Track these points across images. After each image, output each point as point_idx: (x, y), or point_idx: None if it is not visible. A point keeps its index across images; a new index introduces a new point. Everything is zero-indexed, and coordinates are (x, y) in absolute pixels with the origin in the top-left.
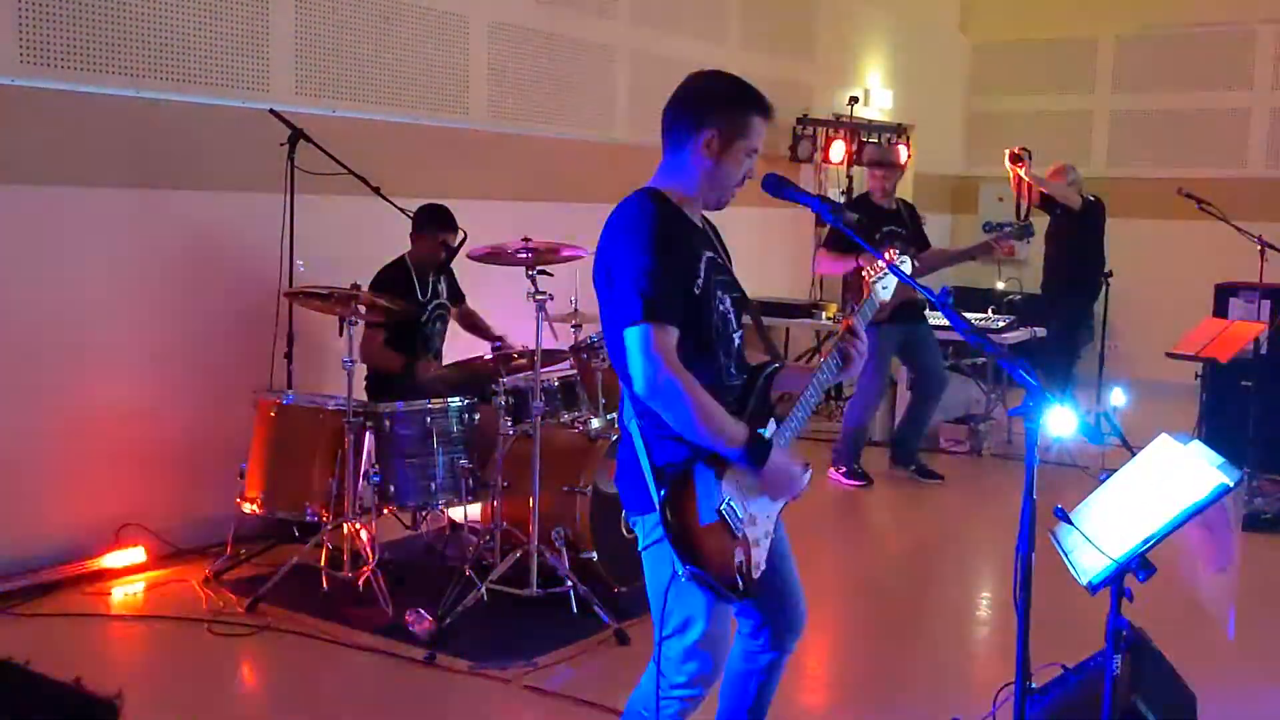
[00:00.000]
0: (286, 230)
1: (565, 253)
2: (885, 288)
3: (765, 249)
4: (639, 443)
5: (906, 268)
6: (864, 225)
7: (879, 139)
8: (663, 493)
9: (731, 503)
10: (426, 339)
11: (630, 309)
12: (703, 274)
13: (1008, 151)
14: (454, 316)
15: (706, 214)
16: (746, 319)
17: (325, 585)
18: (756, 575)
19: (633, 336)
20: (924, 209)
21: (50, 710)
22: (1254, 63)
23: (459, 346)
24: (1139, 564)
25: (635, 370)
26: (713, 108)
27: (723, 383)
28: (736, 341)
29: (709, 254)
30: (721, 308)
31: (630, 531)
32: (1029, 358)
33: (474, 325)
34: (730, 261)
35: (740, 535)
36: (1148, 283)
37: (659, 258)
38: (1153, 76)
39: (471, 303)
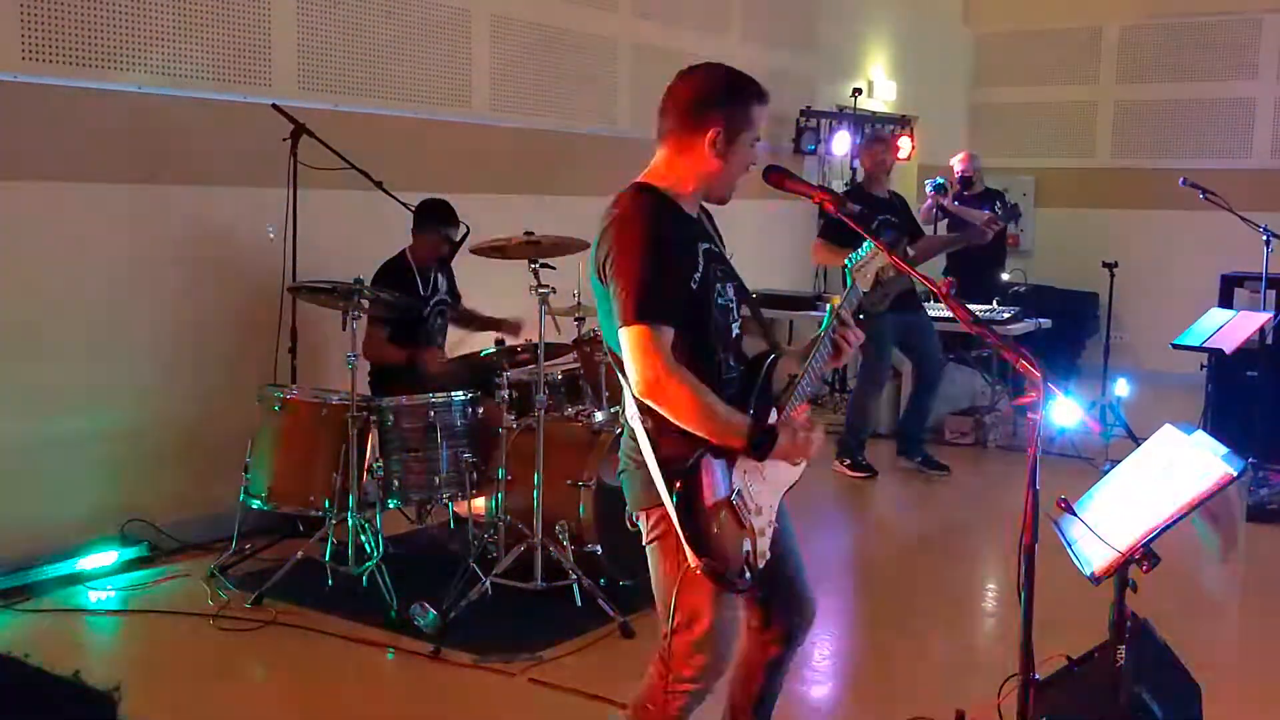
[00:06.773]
0: (289, 225)
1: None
2: (864, 275)
3: (767, 241)
4: (643, 437)
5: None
6: (864, 216)
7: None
8: (673, 485)
9: (740, 492)
10: (429, 334)
11: (626, 309)
12: (701, 266)
13: (940, 184)
14: (452, 318)
15: (704, 204)
16: (745, 310)
17: (330, 580)
18: (761, 564)
19: (629, 337)
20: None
21: (47, 703)
22: (1259, 52)
23: (462, 341)
24: (1143, 555)
25: (633, 371)
26: (714, 104)
27: (721, 376)
28: (735, 332)
29: (705, 245)
30: (721, 300)
31: (634, 525)
32: (1033, 348)
33: (472, 319)
34: (725, 250)
35: (748, 524)
36: (1152, 274)
37: (654, 255)
38: (1157, 66)
39: (474, 298)
